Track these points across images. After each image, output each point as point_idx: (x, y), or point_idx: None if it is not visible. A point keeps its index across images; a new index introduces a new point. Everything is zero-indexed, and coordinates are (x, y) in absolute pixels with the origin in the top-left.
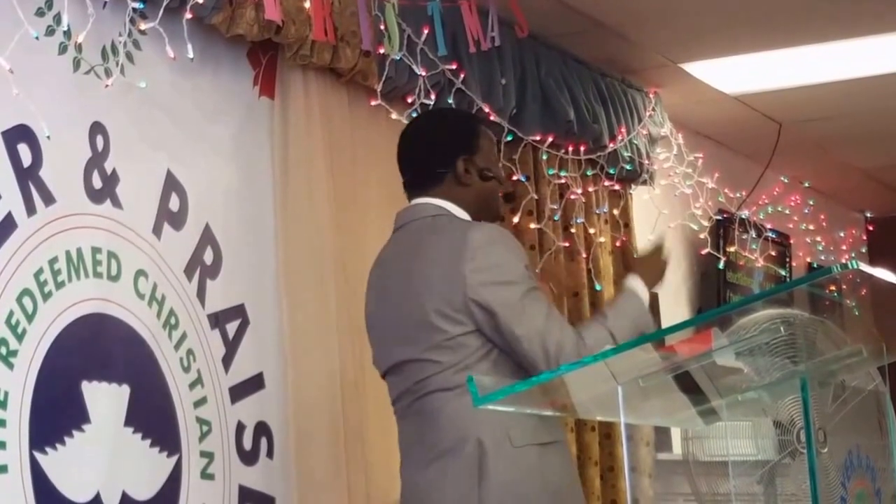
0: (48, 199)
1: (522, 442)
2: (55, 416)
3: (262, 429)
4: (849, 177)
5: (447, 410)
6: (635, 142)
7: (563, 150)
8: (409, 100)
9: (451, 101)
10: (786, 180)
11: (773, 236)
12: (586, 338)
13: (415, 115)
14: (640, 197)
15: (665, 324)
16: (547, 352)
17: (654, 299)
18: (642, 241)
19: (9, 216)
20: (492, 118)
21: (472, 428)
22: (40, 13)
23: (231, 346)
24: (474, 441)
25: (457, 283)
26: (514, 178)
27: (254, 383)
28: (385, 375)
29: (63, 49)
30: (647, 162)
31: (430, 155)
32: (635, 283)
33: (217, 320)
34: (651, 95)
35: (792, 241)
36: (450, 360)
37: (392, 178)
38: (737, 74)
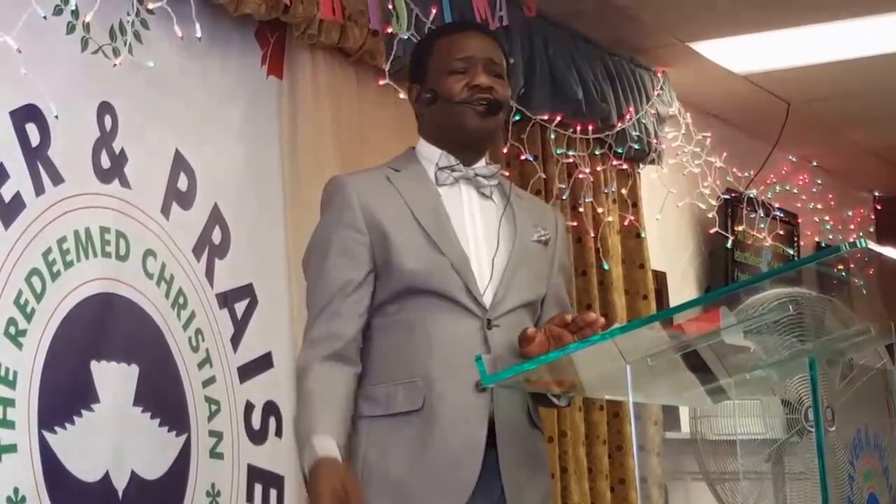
0: (56, 178)
1: (356, 414)
2: (64, 395)
3: (270, 408)
4: (857, 156)
5: None
6: (643, 121)
7: (571, 130)
8: None
9: None
10: (794, 160)
11: (781, 215)
12: (308, 386)
13: None
14: (648, 176)
15: (673, 303)
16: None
17: (662, 279)
18: (650, 219)
19: (17, 196)
20: None
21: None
22: None
23: (240, 326)
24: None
25: None
26: (522, 157)
27: (262, 363)
28: None
29: (71, 29)
30: (655, 141)
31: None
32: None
33: (226, 300)
34: (659, 74)
35: (800, 221)
36: None
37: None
38: (745, 54)
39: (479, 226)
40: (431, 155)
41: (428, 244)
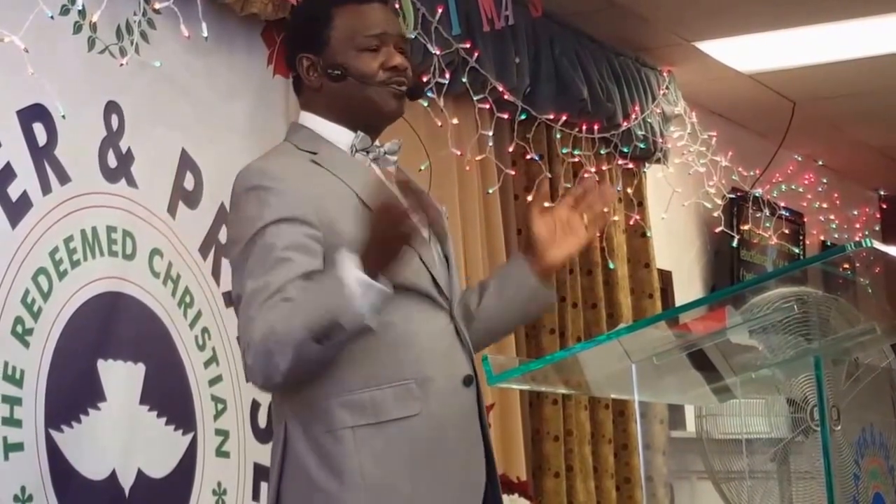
0: (63, 178)
1: (335, 425)
2: (71, 394)
3: None
4: (862, 155)
5: None
6: (649, 120)
7: (576, 129)
8: (424, 79)
9: (464, 79)
10: (799, 158)
11: (787, 214)
12: (276, 325)
13: (429, 94)
14: (653, 175)
15: (679, 302)
16: (244, 358)
17: (667, 278)
18: (655, 218)
19: (24, 195)
20: (505, 97)
21: (282, 409)
22: None
23: None
24: (282, 426)
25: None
26: (528, 156)
27: None
28: None
29: (78, 28)
30: (660, 140)
31: (286, 57)
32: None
33: (232, 299)
34: (665, 74)
35: (805, 220)
36: None
37: (406, 156)
38: (751, 53)
39: None
40: (338, 135)
41: None
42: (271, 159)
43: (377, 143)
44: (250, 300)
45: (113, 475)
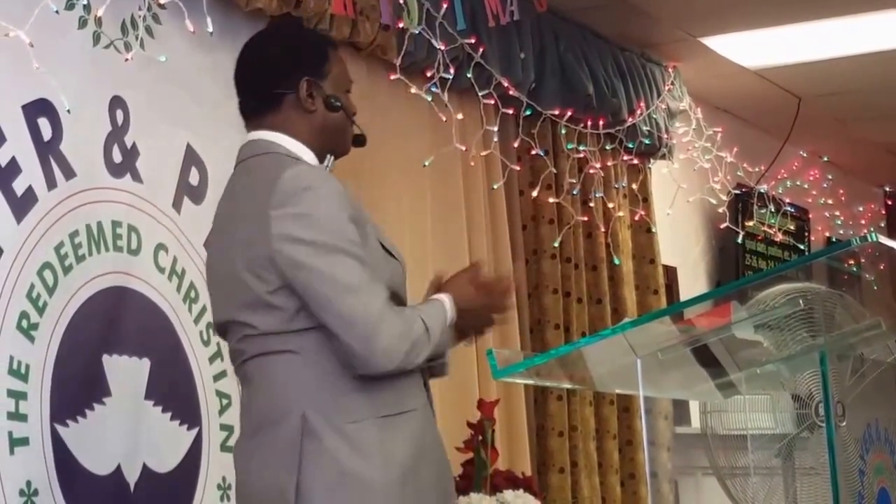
0: (68, 172)
1: (359, 416)
2: (76, 389)
3: None
4: (868, 151)
5: (266, 378)
6: (654, 116)
7: (581, 125)
8: (429, 74)
9: (469, 75)
10: (805, 155)
11: (792, 211)
12: (419, 328)
13: (434, 89)
14: (658, 171)
15: (684, 297)
16: (370, 339)
17: (672, 274)
18: (660, 214)
19: (29, 190)
20: (510, 93)
21: (295, 400)
22: None
23: None
24: (298, 416)
25: (262, 232)
26: (533, 152)
27: None
28: (220, 335)
29: (83, 23)
30: (665, 136)
31: (271, 73)
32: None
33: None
34: (670, 70)
35: (810, 216)
36: (264, 322)
37: (411, 152)
38: (756, 48)
39: None
40: (310, 158)
41: (383, 247)
42: (304, 165)
43: None
44: (372, 299)
45: (118, 470)
